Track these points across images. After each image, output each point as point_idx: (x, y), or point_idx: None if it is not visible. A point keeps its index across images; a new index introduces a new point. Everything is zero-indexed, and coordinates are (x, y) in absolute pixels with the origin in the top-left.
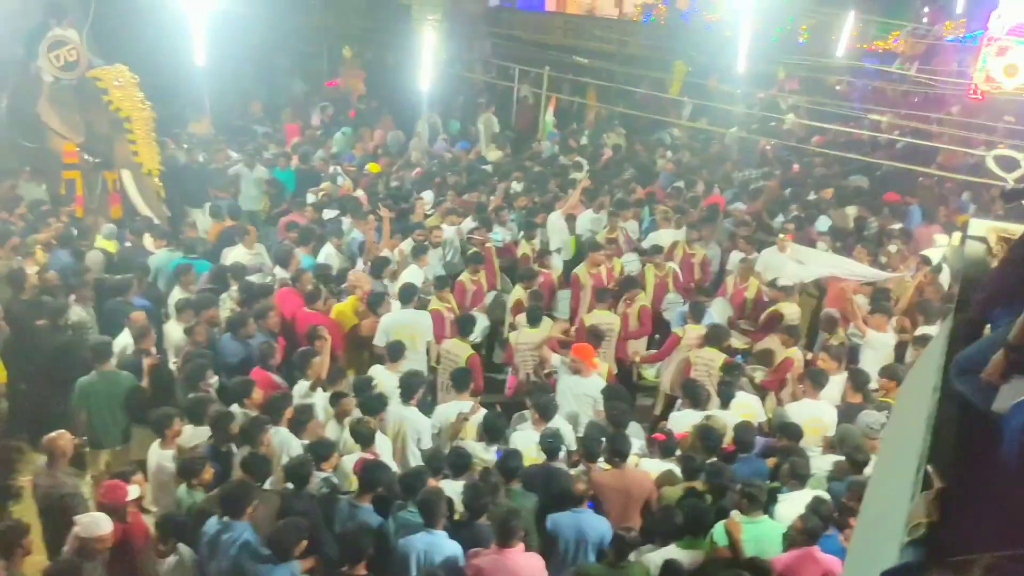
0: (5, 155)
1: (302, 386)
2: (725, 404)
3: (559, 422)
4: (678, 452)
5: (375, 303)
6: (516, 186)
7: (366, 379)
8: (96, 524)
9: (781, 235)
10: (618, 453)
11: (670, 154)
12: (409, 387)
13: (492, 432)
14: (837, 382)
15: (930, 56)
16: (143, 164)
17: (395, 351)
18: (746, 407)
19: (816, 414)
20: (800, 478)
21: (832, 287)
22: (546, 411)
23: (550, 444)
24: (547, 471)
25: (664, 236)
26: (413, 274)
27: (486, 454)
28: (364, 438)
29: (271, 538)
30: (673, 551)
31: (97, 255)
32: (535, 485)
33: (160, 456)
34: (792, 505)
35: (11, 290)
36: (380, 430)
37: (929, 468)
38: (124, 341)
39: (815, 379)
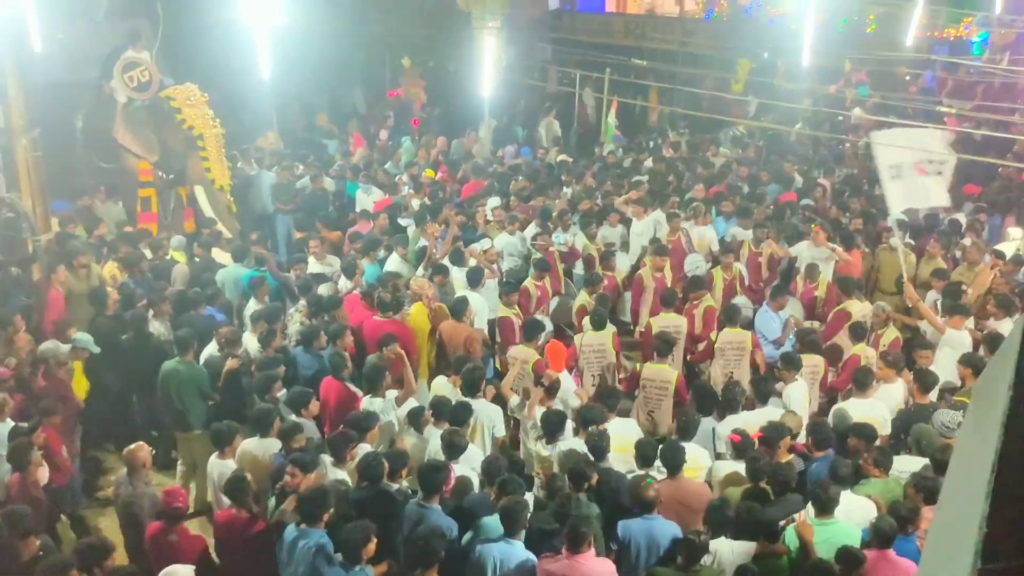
0: (83, 175)
1: (375, 402)
2: (764, 402)
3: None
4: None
5: (459, 310)
6: (569, 191)
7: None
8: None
9: (812, 227)
10: (671, 463)
11: (725, 150)
12: (472, 381)
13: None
14: (898, 386)
15: (1018, 46)
16: (215, 180)
17: (457, 363)
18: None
19: (866, 413)
20: (841, 480)
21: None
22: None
23: (597, 443)
24: (602, 473)
25: (697, 232)
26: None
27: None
28: (455, 450)
29: (339, 542)
30: (723, 543)
31: (183, 269)
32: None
33: (221, 467)
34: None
35: (95, 307)
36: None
37: None
38: (211, 350)
39: (860, 378)
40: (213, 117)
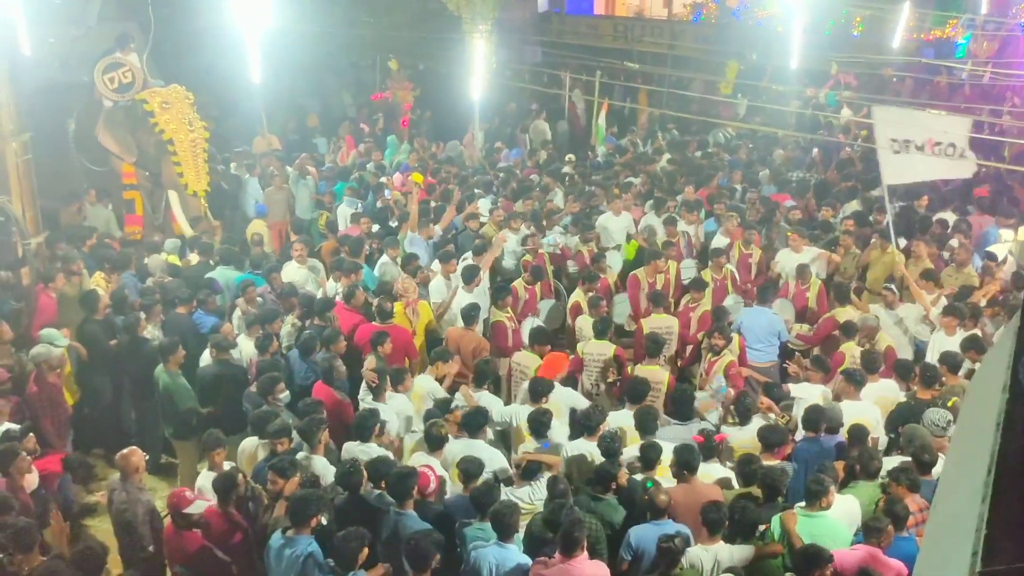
0: (76, 179)
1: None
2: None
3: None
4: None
5: (470, 316)
6: (560, 192)
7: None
8: None
9: (789, 234)
10: (685, 466)
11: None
12: (482, 374)
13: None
14: (891, 385)
15: (1003, 50)
16: (188, 185)
17: (438, 355)
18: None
19: (858, 414)
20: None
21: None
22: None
23: (610, 445)
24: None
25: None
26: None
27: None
28: (436, 441)
29: (334, 548)
30: (723, 548)
31: (158, 259)
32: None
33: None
34: None
35: (85, 312)
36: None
37: None
38: (207, 357)
39: (853, 379)
40: (192, 121)
